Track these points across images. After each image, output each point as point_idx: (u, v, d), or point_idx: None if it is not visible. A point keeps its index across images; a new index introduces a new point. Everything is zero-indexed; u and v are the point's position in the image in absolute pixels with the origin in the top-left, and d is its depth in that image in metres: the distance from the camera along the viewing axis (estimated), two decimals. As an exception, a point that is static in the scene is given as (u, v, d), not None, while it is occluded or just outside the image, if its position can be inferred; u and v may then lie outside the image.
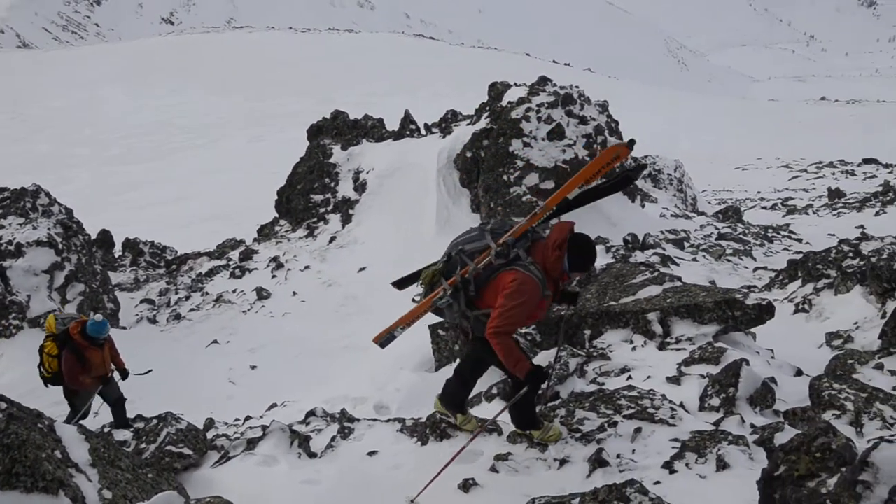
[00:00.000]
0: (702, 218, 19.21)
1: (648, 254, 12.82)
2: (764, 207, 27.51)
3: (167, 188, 34.42)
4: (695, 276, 11.26)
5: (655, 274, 8.15)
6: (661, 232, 15.28)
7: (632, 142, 4.89)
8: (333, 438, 6.21)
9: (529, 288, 4.51)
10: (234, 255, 19.69)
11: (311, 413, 7.22)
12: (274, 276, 17.58)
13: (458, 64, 74.12)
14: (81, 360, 8.11)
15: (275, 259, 18.41)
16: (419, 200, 17.48)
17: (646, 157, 25.11)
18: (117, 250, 21.34)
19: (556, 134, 15.99)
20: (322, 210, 20.24)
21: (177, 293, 17.80)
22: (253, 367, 12.89)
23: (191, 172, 37.79)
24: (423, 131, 21.26)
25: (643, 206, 18.18)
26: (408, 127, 21.38)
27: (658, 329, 7.04)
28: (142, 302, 17.35)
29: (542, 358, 7.37)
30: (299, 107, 54.10)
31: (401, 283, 5.92)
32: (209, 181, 35.32)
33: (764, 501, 2.60)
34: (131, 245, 21.06)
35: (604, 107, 18.09)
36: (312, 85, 63.87)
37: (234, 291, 17.12)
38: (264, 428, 6.62)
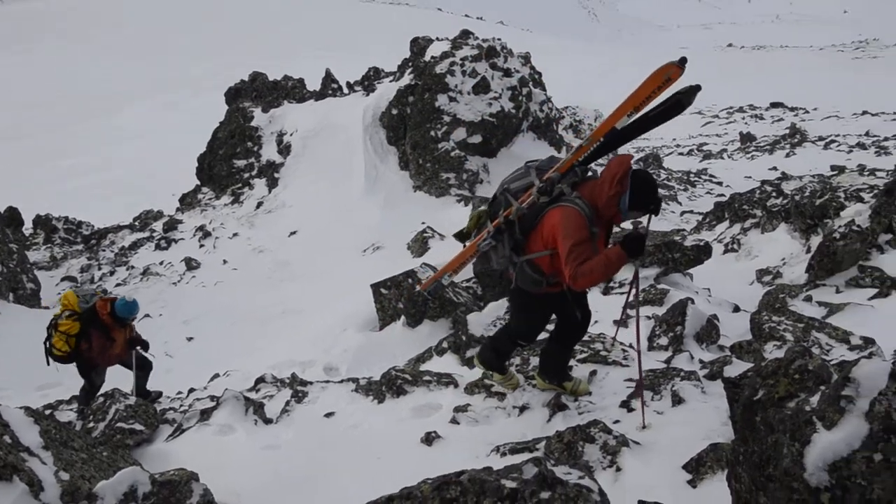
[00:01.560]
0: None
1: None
2: (681, 154, 28.27)
3: (75, 161, 32.95)
4: (625, 224, 11.50)
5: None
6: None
7: (683, 60, 4.38)
8: (288, 403, 6.14)
9: (577, 222, 4.07)
10: (158, 226, 19.09)
11: (261, 380, 7.12)
12: (202, 246, 17.14)
13: (371, 20, 72.90)
14: (109, 340, 7.78)
15: (201, 228, 17.93)
16: (346, 160, 17.25)
17: (566, 107, 25.37)
18: (27, 228, 20.35)
19: (482, 87, 15.96)
20: (246, 175, 19.76)
21: (100, 269, 17.17)
22: (189, 339, 12.60)
23: (97, 144, 36.25)
24: (345, 90, 20.90)
25: (569, 157, 18.37)
26: (330, 86, 20.97)
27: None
28: (63, 280, 16.69)
29: (492, 309, 7.45)
30: (209, 70, 52.32)
31: (462, 236, 5.22)
32: (119, 151, 34.02)
33: (744, 426, 2.70)
34: (43, 222, 20.15)
35: (526, 59, 18.11)
36: (221, 48, 61.80)
37: (161, 263, 16.62)
38: (215, 398, 6.49)
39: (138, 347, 8.15)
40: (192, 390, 8.59)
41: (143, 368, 8.22)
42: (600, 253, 4.08)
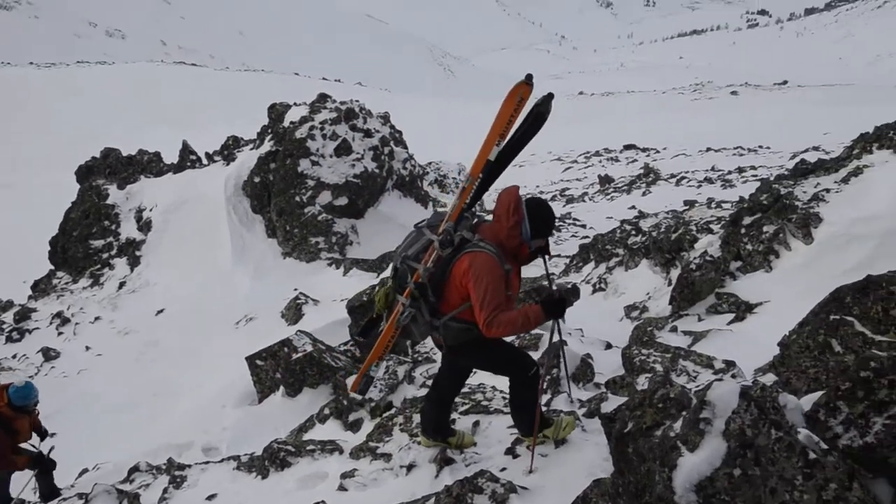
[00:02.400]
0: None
1: (449, 255, 13.26)
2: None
3: None
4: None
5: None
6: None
7: (529, 76, 4.36)
8: (166, 490, 5.88)
9: (488, 265, 4.01)
10: (8, 316, 17.84)
11: (135, 469, 6.78)
12: (60, 333, 16.15)
13: (227, 89, 72.09)
14: (11, 434, 6.90)
15: (58, 315, 16.91)
16: (211, 232, 16.85)
17: (429, 163, 25.91)
18: None
19: (344, 149, 16.10)
20: (105, 255, 18.89)
21: (-58, 370, 15.82)
22: (52, 435, 11.79)
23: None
24: (205, 161, 20.52)
25: (436, 212, 18.75)
26: (188, 158, 20.53)
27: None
28: None
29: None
30: (55, 148, 50.00)
31: (365, 331, 5.06)
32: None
33: (618, 458, 2.85)
34: None
35: (386, 118, 18.46)
36: (67, 124, 59.29)
37: (14, 357, 15.50)
38: (83, 495, 6.12)
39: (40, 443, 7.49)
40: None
41: (47, 471, 7.57)
42: (521, 308, 4.03)
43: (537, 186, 35.12)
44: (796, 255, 7.90)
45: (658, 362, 5.76)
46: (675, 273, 8.91)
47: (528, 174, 39.16)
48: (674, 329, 7.41)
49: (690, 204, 18.00)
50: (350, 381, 6.59)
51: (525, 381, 4.45)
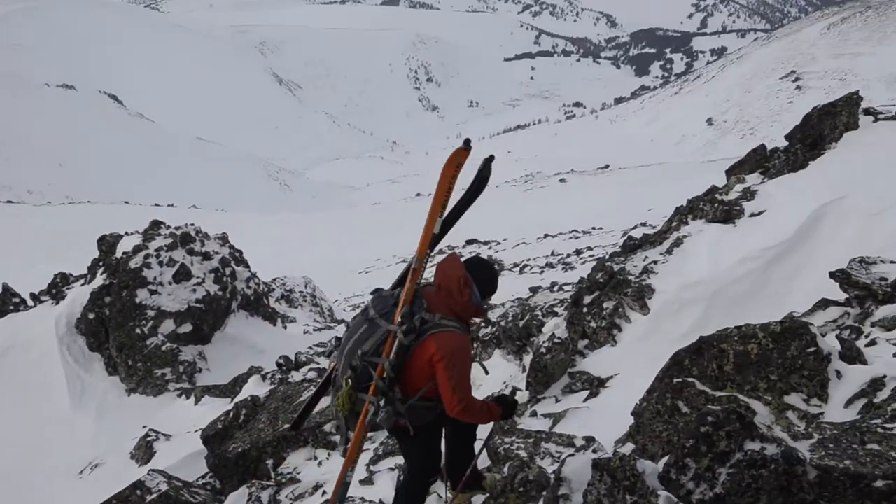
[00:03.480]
0: (343, 326, 20.06)
1: (305, 371, 13.03)
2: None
3: None
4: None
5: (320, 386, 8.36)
6: (310, 347, 15.65)
7: (467, 141, 4.30)
8: None
9: (461, 346, 4.01)
10: None
11: None
12: None
13: (51, 224, 68.38)
14: None
15: None
16: (43, 378, 15.62)
17: (274, 279, 25.56)
18: None
19: (183, 275, 15.64)
20: (-82, 420, 16.98)
21: None
22: None
23: None
24: (30, 302, 19.19)
25: (286, 328, 18.44)
26: (10, 301, 19.12)
27: (338, 438, 7.21)
28: None
29: (233, 499, 7.08)
30: None
31: (298, 423, 4.88)
32: None
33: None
34: None
35: (224, 239, 18.16)
36: None
37: None
38: None
39: None
40: None
41: None
42: (485, 402, 4.14)
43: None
44: (637, 326, 8.41)
45: (522, 448, 5.88)
46: (527, 359, 9.20)
47: (376, 279, 39.40)
48: (534, 414, 7.60)
49: (534, 290, 18.74)
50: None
51: (415, 485, 4.46)
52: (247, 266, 18.05)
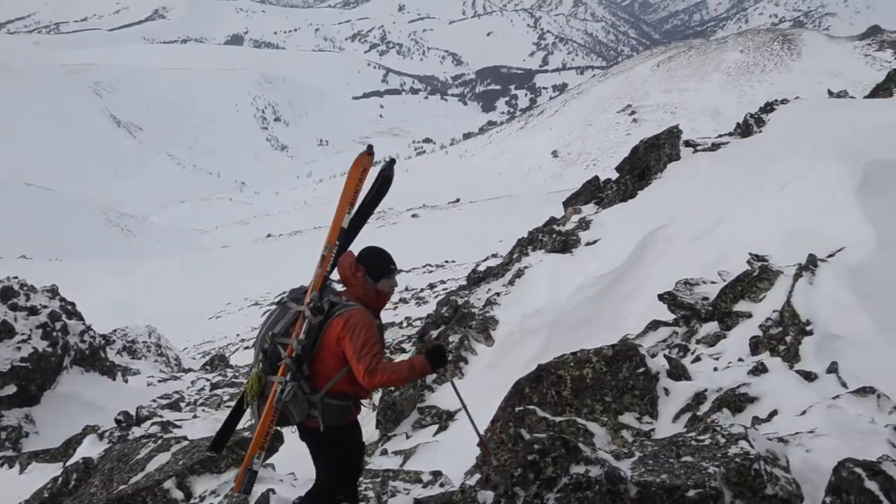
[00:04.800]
0: (191, 374, 19.17)
1: (147, 426, 12.27)
2: (247, 348, 28.63)
3: None
4: (201, 431, 11.16)
5: (160, 441, 7.86)
6: (154, 400, 14.79)
7: (370, 146, 4.35)
8: None
9: (363, 319, 4.12)
10: None
11: None
12: None
13: None
14: None
15: None
16: None
17: (114, 330, 24.12)
18: None
19: (5, 332, 14.40)
20: None
21: None
22: None
23: None
24: None
25: (126, 381, 17.37)
26: None
27: (179, 494, 6.77)
28: None
29: None
30: None
31: (219, 444, 4.66)
32: None
33: None
34: None
35: (54, 291, 16.90)
36: None
37: None
38: None
39: None
40: None
41: None
42: (407, 359, 4.21)
43: (238, 335, 34.22)
44: (482, 357, 8.52)
45: (370, 489, 5.76)
46: (377, 397, 9.10)
47: (227, 324, 38.12)
48: (384, 452, 7.49)
49: (386, 326, 18.64)
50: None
51: (325, 496, 4.39)
52: (80, 319, 16.88)
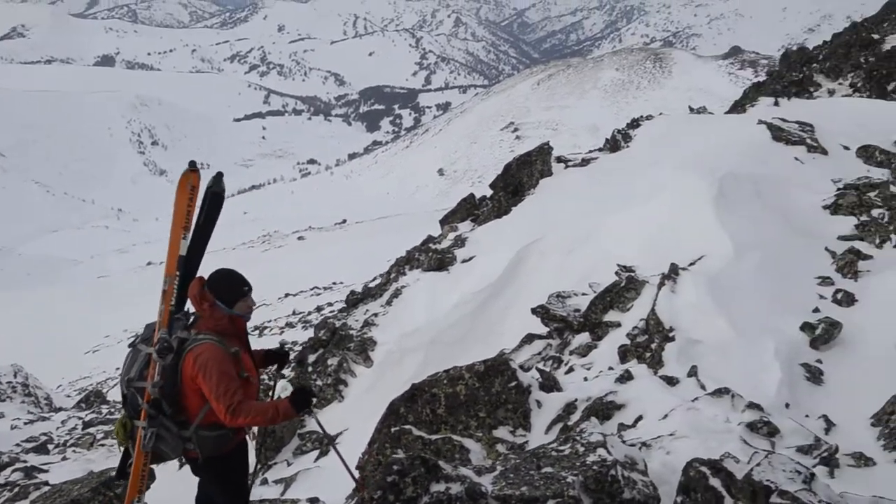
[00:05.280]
0: (62, 414, 18.14)
1: (8, 472, 11.45)
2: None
3: None
4: (70, 474, 10.56)
5: (17, 489, 7.39)
6: (18, 444, 13.85)
7: (192, 163, 4.03)
8: None
9: (212, 353, 3.94)
10: None
11: None
12: None
13: None
14: None
15: None
16: None
17: (-23, 371, 22.49)
18: None
19: None
20: None
21: None
22: None
23: None
24: None
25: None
26: None
27: None
28: None
29: None
30: None
31: (122, 472, 4.35)
32: None
33: None
34: None
35: None
36: None
37: None
38: None
39: None
40: None
41: None
42: (272, 401, 4.04)
43: (117, 369, 32.69)
44: (362, 379, 8.47)
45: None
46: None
47: (105, 358, 36.35)
48: (265, 482, 7.32)
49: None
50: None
51: None
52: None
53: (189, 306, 4.36)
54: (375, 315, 8.90)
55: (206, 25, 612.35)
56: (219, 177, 4.48)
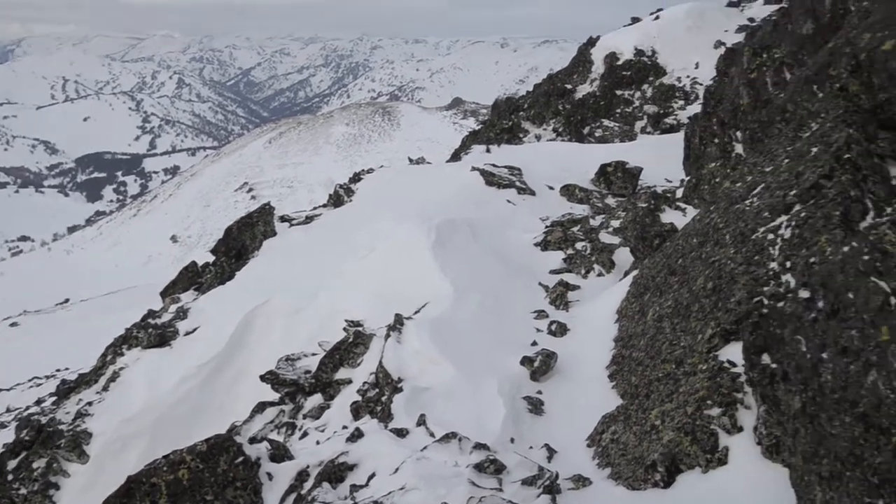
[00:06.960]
0: None
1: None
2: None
3: None
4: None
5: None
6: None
7: None
8: None
9: None
10: None
11: None
12: None
13: None
14: None
15: None
16: None
17: None
18: None
19: None
20: None
21: None
22: None
23: None
24: None
25: None
26: None
27: None
28: None
29: None
30: None
31: None
32: None
33: None
34: None
35: None
36: None
37: None
38: None
39: None
40: None
41: None
42: None
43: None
44: (77, 478, 7.57)
45: None
46: None
47: None
48: None
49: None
50: None
51: None
52: None
53: None
54: (90, 404, 8.03)
55: None
56: None
